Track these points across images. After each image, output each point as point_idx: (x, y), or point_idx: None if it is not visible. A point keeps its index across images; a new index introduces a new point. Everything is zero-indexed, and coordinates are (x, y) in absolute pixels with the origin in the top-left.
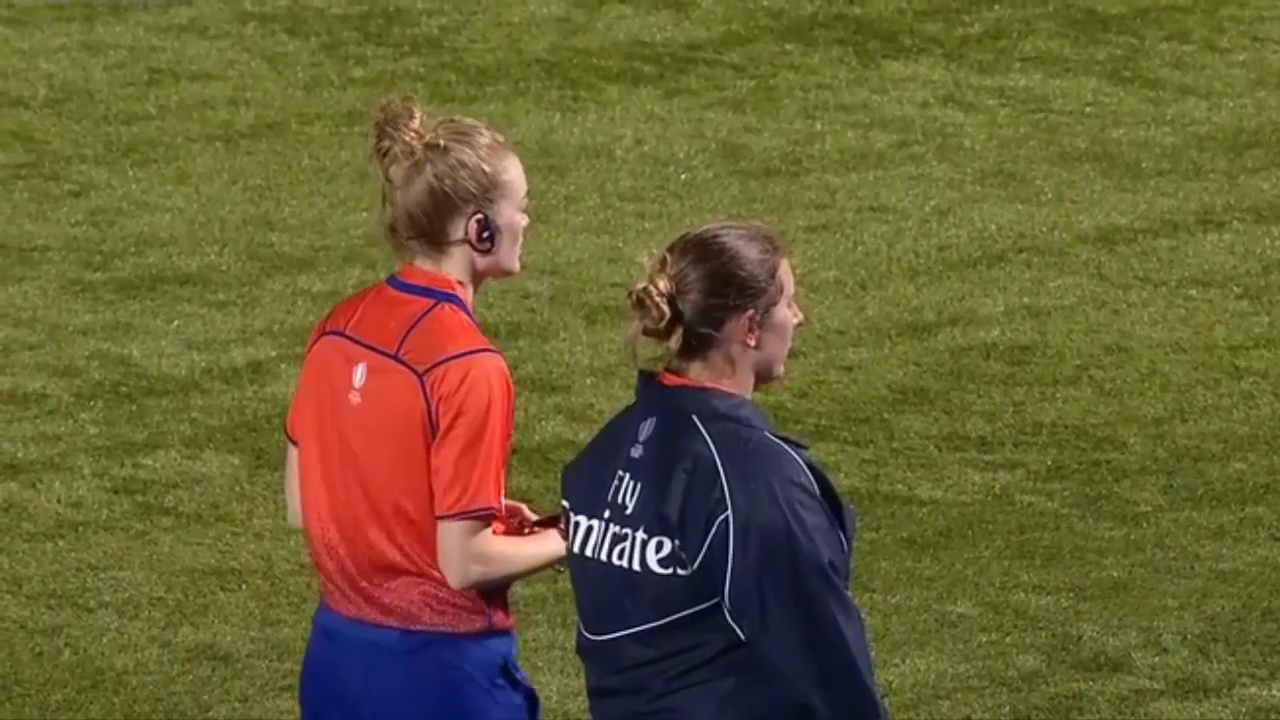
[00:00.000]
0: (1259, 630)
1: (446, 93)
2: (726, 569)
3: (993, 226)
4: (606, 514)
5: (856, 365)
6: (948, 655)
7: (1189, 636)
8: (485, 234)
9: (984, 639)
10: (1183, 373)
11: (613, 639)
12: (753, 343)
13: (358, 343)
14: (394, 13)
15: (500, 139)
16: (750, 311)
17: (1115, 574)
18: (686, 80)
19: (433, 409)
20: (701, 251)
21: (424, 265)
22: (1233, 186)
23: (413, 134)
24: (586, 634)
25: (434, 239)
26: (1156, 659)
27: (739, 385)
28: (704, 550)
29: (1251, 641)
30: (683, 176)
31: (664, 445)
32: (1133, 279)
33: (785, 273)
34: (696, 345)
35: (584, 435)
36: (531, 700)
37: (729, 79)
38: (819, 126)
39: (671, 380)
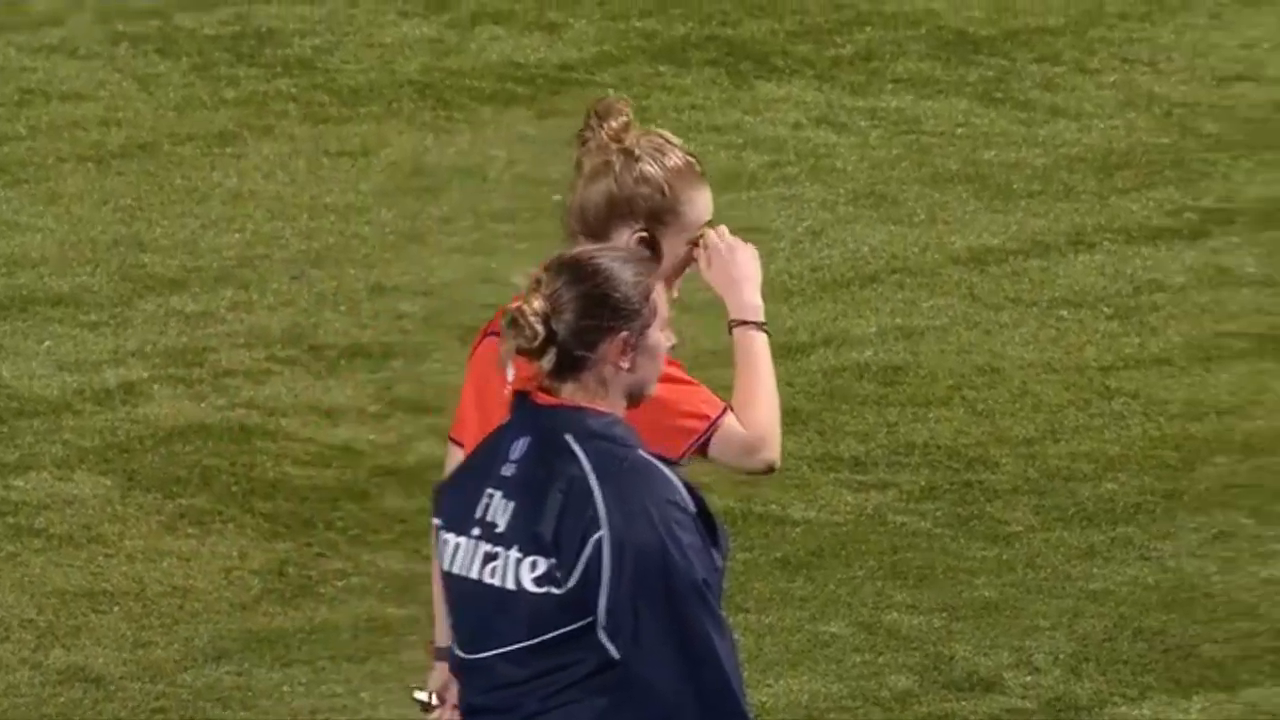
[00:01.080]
0: (1130, 650)
1: (319, 114)
2: (601, 588)
3: (865, 247)
4: (475, 531)
5: (730, 386)
6: (821, 675)
7: (1060, 656)
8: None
9: (857, 659)
10: (1054, 393)
11: (485, 658)
12: (626, 365)
13: None
14: (266, 34)
15: (697, 168)
16: (624, 334)
17: (987, 594)
18: (559, 101)
19: None
20: (576, 272)
21: None
22: (1103, 207)
23: (612, 132)
24: (460, 653)
25: (598, 239)
26: (1028, 679)
27: (611, 406)
28: (579, 569)
29: (1122, 661)
30: (556, 197)
31: (538, 464)
32: (1004, 300)
33: (659, 295)
34: (569, 366)
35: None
36: None
37: None
38: (692, 147)
39: (545, 399)
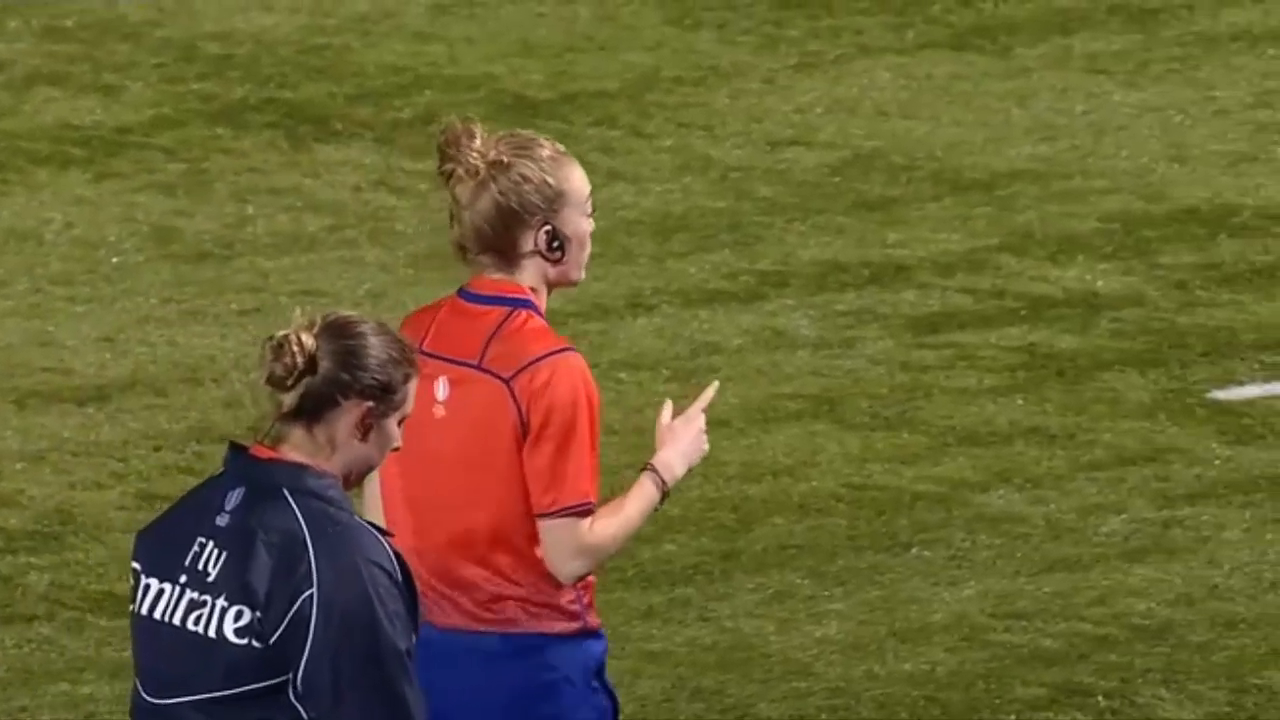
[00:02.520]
0: (688, 710)
1: None
2: (305, 645)
3: None
4: (183, 579)
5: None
6: None
7: (620, 718)
8: (555, 243)
9: None
10: (614, 455)
11: (173, 704)
12: (360, 435)
13: (437, 357)
14: None
15: (561, 149)
16: (371, 404)
17: None
18: (117, 163)
19: (524, 413)
20: (349, 330)
21: (495, 277)
22: (660, 271)
23: (475, 154)
24: (146, 697)
25: (505, 253)
26: None
27: (333, 469)
28: (285, 625)
29: None
30: (114, 260)
31: (253, 516)
32: None
33: (412, 391)
34: (310, 410)
35: (14, 522)
36: (615, 705)
37: (160, 162)
38: (251, 210)
39: (263, 453)
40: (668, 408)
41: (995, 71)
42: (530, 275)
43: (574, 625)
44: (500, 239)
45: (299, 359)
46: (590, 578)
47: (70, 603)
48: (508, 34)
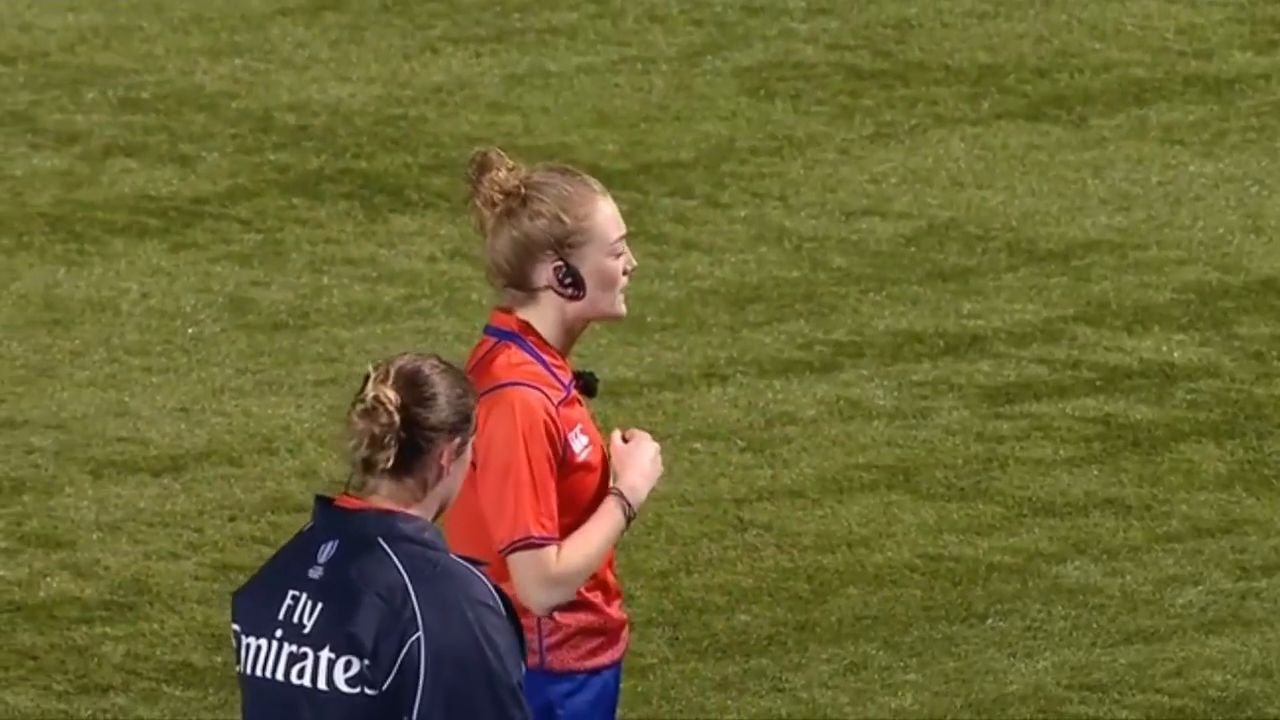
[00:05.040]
0: None
1: None
2: (418, 689)
3: None
4: (279, 633)
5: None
6: None
7: None
8: (567, 280)
9: None
10: (688, 525)
11: None
12: (447, 470)
13: None
14: None
15: (589, 185)
16: (457, 440)
17: None
18: (193, 234)
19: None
20: (422, 375)
21: (518, 310)
22: (735, 340)
23: (495, 186)
24: None
25: (521, 286)
26: None
27: (424, 510)
28: (395, 671)
29: None
30: (190, 330)
31: (350, 567)
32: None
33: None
34: (405, 460)
35: (90, 592)
36: None
37: (235, 232)
38: (326, 280)
39: (351, 504)
40: (618, 434)
41: (1071, 142)
42: (547, 310)
43: (529, 661)
44: (515, 271)
45: (395, 416)
46: (573, 621)
47: (146, 673)
48: (583, 104)
